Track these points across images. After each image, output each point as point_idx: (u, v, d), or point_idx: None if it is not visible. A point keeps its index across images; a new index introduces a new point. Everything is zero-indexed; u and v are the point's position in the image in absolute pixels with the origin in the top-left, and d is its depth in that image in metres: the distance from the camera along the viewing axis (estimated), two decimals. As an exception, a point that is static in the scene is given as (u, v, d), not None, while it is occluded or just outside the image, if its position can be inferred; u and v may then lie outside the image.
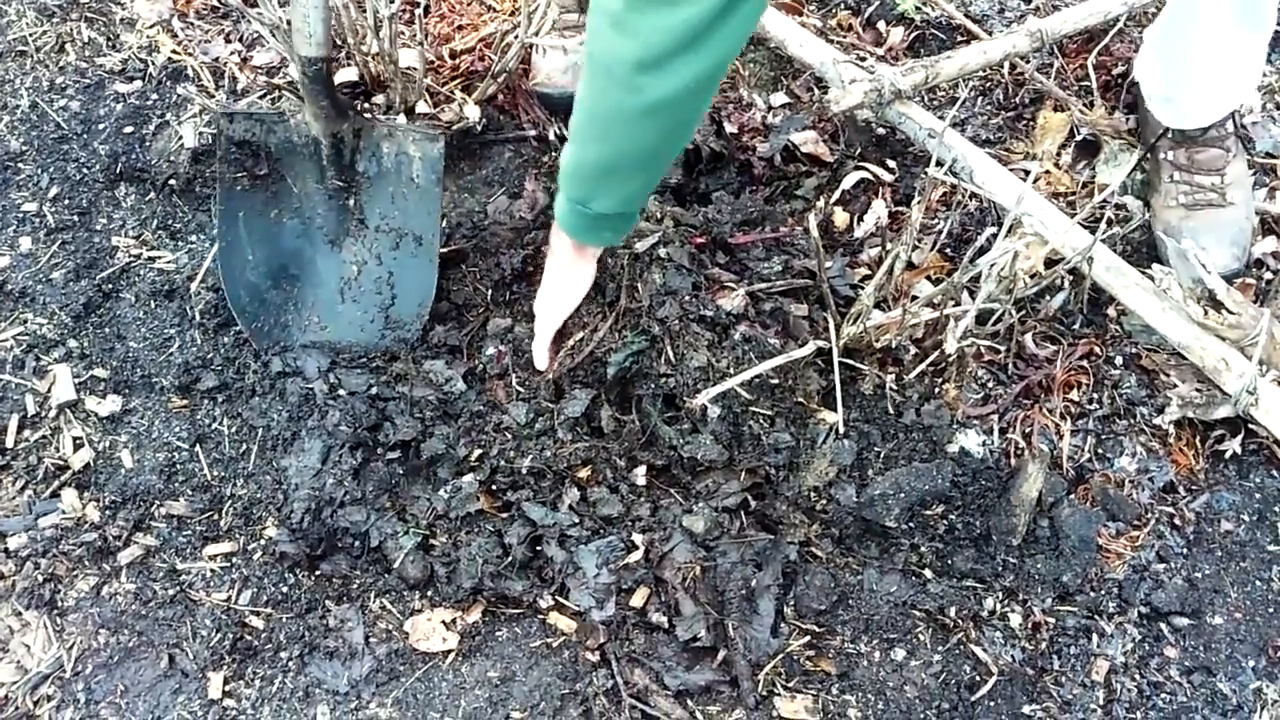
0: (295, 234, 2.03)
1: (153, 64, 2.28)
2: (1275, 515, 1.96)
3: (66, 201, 2.14)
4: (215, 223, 2.05)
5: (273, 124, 1.99)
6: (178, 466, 1.94)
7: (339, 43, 2.20)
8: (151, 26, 2.34)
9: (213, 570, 1.86)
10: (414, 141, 2.00)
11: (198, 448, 1.95)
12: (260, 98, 2.24)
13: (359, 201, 2.03)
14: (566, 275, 1.86)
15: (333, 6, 1.87)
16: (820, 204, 2.22)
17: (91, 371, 2.01)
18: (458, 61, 2.31)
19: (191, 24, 2.36)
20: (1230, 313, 1.96)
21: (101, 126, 2.21)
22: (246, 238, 2.01)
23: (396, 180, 2.01)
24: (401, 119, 2.11)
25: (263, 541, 1.88)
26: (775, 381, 1.90)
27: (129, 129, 2.20)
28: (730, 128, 2.28)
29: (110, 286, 2.08)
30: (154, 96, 2.25)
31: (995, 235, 1.85)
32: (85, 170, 2.17)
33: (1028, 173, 2.22)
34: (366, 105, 2.16)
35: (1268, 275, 2.17)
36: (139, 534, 1.88)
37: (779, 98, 2.37)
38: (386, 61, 2.08)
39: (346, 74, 2.20)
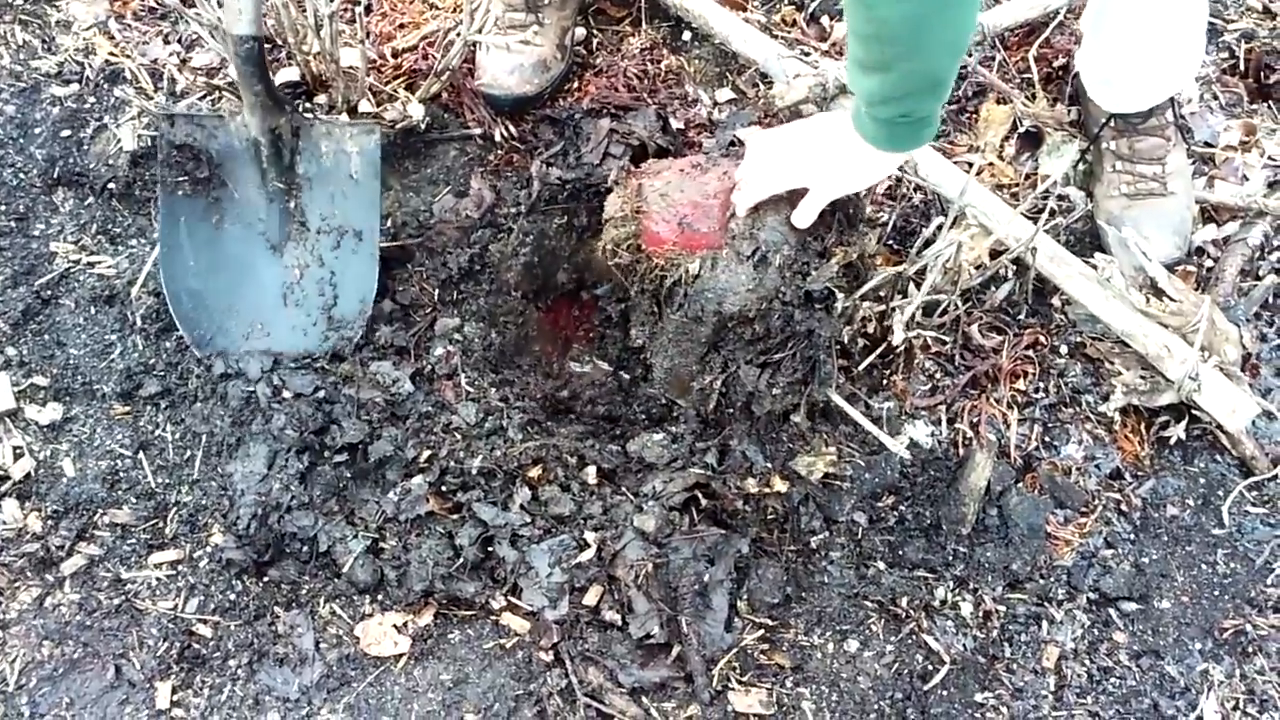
0: (237, 239, 2.00)
1: (90, 66, 2.24)
2: (1219, 499, 1.99)
3: (3, 207, 2.10)
4: (157, 227, 2.02)
5: (213, 127, 1.96)
6: (121, 474, 1.91)
7: (279, 42, 2.17)
8: (88, 28, 2.30)
9: (158, 579, 1.83)
10: (351, 137, 1.98)
11: (141, 455, 1.92)
12: (200, 99, 2.21)
13: (300, 204, 2.00)
14: (858, 169, 1.64)
15: None
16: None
17: (31, 379, 1.97)
18: (400, 60, 2.29)
19: (129, 25, 2.32)
20: (1172, 300, 1.99)
21: (38, 130, 2.17)
22: (188, 242, 1.97)
23: (336, 178, 1.99)
24: (344, 118, 2.09)
25: (209, 548, 1.85)
26: None
27: (66, 132, 2.16)
28: (676, 123, 2.28)
29: (49, 293, 2.04)
30: (91, 99, 2.21)
31: (940, 227, 1.87)
32: (22, 175, 2.13)
33: (971, 165, 2.24)
34: (308, 105, 2.14)
35: (1208, 263, 2.20)
36: (82, 543, 1.85)
37: (724, 93, 2.37)
38: (328, 61, 2.06)
39: (288, 74, 2.17)
